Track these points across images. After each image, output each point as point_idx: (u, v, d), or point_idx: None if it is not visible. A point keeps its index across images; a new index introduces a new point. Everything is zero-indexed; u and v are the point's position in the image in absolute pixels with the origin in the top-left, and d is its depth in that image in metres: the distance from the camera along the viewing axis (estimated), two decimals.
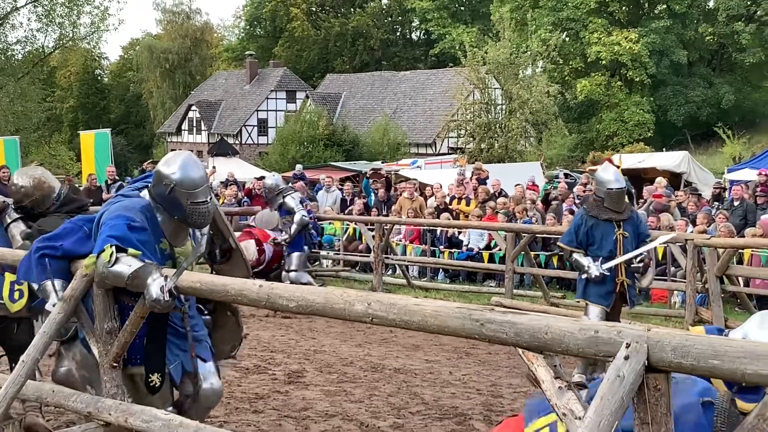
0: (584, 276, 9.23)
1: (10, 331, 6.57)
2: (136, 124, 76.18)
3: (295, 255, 13.91)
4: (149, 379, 5.39)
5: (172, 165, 5.47)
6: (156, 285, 4.90)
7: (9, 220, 6.58)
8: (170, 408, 5.45)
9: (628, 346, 3.16)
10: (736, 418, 3.60)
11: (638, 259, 9.19)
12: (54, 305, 5.33)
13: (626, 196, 9.92)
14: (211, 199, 5.58)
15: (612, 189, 9.24)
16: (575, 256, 9.35)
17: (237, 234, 12.08)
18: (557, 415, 3.50)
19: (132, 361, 5.42)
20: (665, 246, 14.14)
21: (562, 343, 3.37)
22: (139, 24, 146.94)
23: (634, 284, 9.46)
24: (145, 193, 5.54)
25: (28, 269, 5.51)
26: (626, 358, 3.14)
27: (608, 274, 9.11)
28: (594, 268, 9.10)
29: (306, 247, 14.31)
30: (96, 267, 5.10)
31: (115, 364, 5.31)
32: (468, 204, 18.09)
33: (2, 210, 6.61)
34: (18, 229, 6.39)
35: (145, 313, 5.11)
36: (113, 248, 5.04)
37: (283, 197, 13.89)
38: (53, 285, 5.37)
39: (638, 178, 24.73)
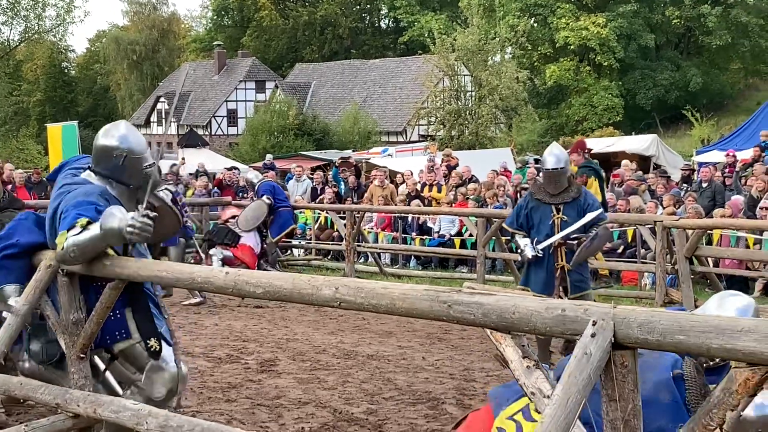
0: (521, 257, 9.01)
1: None
2: (104, 116, 75.26)
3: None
4: (149, 345, 5.29)
5: (115, 136, 5.38)
6: (127, 216, 4.81)
7: None
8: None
9: (594, 323, 3.16)
10: (705, 388, 3.63)
11: (574, 239, 8.66)
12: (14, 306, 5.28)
13: (569, 178, 9.10)
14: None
15: (547, 169, 8.86)
16: (516, 237, 9.07)
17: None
18: (526, 395, 3.51)
19: (117, 337, 5.31)
20: (635, 228, 14.23)
21: (529, 322, 3.37)
22: (106, 16, 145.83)
23: (582, 269, 8.94)
24: (88, 175, 5.40)
25: None
26: (593, 335, 3.14)
27: (540, 255, 8.71)
28: (528, 249, 8.74)
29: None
30: (65, 242, 4.92)
31: (82, 355, 5.26)
32: (439, 190, 18.11)
33: None
34: None
35: (111, 302, 5.06)
36: (86, 220, 4.93)
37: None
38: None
39: (608, 162, 24.87)
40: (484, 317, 3.50)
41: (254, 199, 14.84)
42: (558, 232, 8.72)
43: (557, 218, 8.76)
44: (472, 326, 3.72)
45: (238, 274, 4.45)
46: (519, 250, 8.96)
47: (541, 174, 9.04)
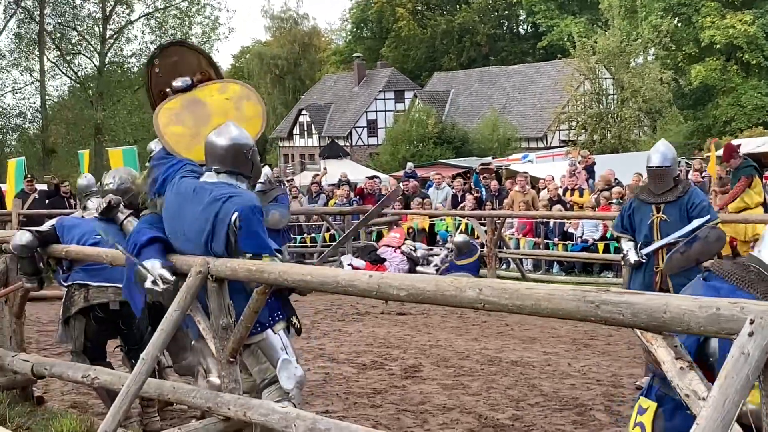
0: (623, 263, 8.52)
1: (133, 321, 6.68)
2: None
3: None
4: (293, 323, 5.65)
5: (233, 134, 5.53)
6: None
7: (122, 217, 6.72)
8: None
9: (752, 322, 3.02)
10: None
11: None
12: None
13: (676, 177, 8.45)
14: None
15: (651, 167, 8.33)
16: (621, 241, 8.62)
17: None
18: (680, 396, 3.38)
19: (253, 331, 5.40)
20: None
21: (682, 322, 3.25)
22: (249, 32, 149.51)
23: (690, 273, 7.41)
24: (225, 177, 5.50)
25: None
26: (750, 334, 3.01)
27: (645, 260, 8.17)
28: (632, 254, 8.23)
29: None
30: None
31: (232, 359, 5.37)
32: (581, 195, 17.82)
33: (115, 207, 6.75)
34: (132, 225, 6.46)
35: (259, 307, 5.15)
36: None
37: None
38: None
39: (758, 162, 23.99)
40: (633, 317, 3.40)
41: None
42: (657, 233, 8.20)
43: (656, 218, 8.25)
44: (621, 326, 3.61)
45: (381, 277, 4.45)
46: (622, 255, 8.52)
47: (646, 173, 8.49)
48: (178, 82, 6.03)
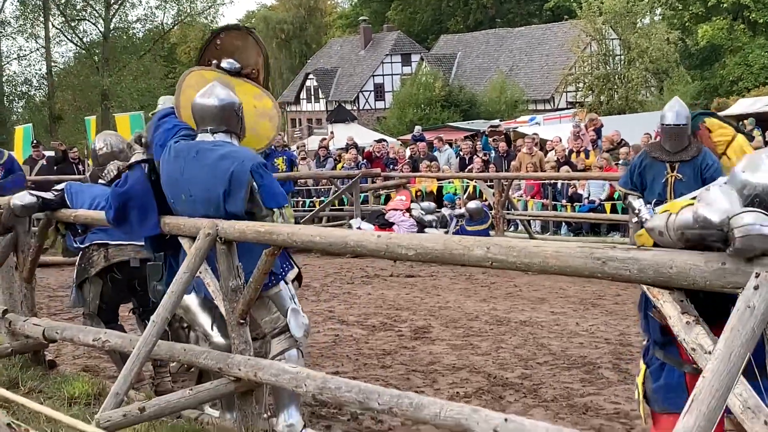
0: (635, 221, 8.37)
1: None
2: None
3: None
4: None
5: (220, 93, 5.61)
6: None
7: None
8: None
9: (757, 275, 3.05)
10: None
11: None
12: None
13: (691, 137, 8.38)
14: None
15: (667, 125, 8.25)
16: (629, 198, 8.52)
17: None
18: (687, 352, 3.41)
19: (269, 284, 5.55)
20: None
21: (687, 276, 3.27)
22: None
23: None
24: (221, 137, 5.59)
25: None
26: (756, 288, 3.03)
27: None
28: (645, 211, 8.15)
29: None
30: (284, 216, 5.46)
31: (242, 321, 5.41)
32: (587, 156, 17.78)
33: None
34: None
35: (268, 268, 5.19)
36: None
37: None
38: None
39: (765, 122, 23.96)
40: (639, 273, 3.42)
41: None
42: (672, 192, 8.17)
43: (671, 176, 8.24)
44: (628, 282, 3.62)
45: (389, 237, 4.47)
46: (634, 212, 8.36)
47: (660, 129, 8.39)
48: (226, 64, 6.09)
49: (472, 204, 15.87)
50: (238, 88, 5.94)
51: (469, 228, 15.36)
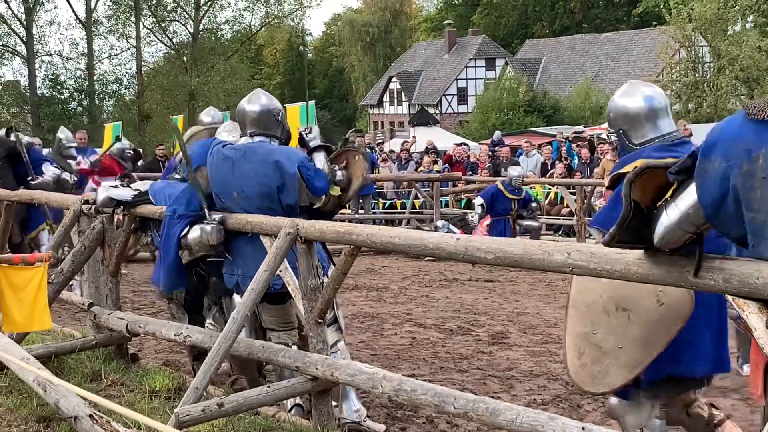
0: None
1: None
2: (339, 97, 77.85)
3: None
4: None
5: (262, 99, 6.06)
6: None
7: None
8: None
9: None
10: None
11: None
12: None
13: None
14: None
15: None
16: None
17: None
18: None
19: None
20: None
21: None
22: None
23: None
24: (261, 140, 5.97)
25: None
26: None
27: None
28: None
29: None
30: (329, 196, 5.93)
31: (320, 320, 5.44)
32: None
33: None
34: None
35: (347, 268, 5.22)
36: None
37: None
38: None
39: None
40: (725, 282, 3.33)
41: None
42: None
43: None
44: (712, 292, 3.54)
45: (468, 240, 4.44)
46: None
47: None
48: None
49: (514, 171, 15.61)
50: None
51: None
